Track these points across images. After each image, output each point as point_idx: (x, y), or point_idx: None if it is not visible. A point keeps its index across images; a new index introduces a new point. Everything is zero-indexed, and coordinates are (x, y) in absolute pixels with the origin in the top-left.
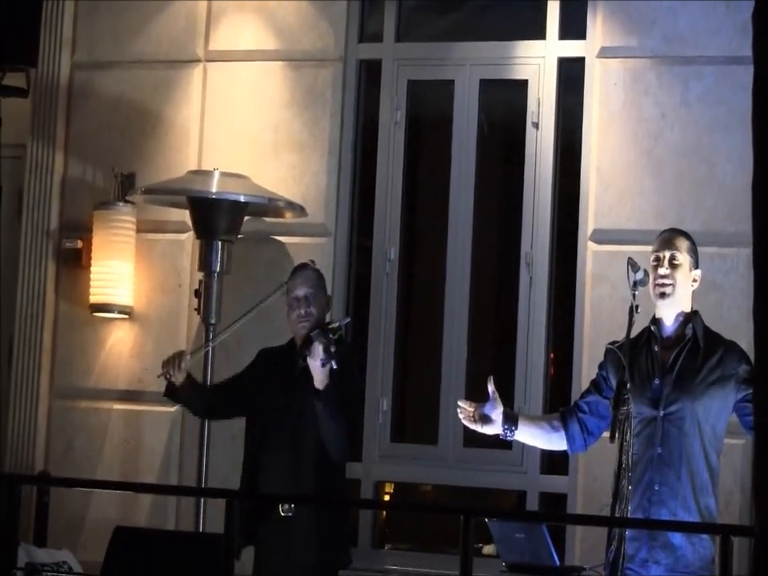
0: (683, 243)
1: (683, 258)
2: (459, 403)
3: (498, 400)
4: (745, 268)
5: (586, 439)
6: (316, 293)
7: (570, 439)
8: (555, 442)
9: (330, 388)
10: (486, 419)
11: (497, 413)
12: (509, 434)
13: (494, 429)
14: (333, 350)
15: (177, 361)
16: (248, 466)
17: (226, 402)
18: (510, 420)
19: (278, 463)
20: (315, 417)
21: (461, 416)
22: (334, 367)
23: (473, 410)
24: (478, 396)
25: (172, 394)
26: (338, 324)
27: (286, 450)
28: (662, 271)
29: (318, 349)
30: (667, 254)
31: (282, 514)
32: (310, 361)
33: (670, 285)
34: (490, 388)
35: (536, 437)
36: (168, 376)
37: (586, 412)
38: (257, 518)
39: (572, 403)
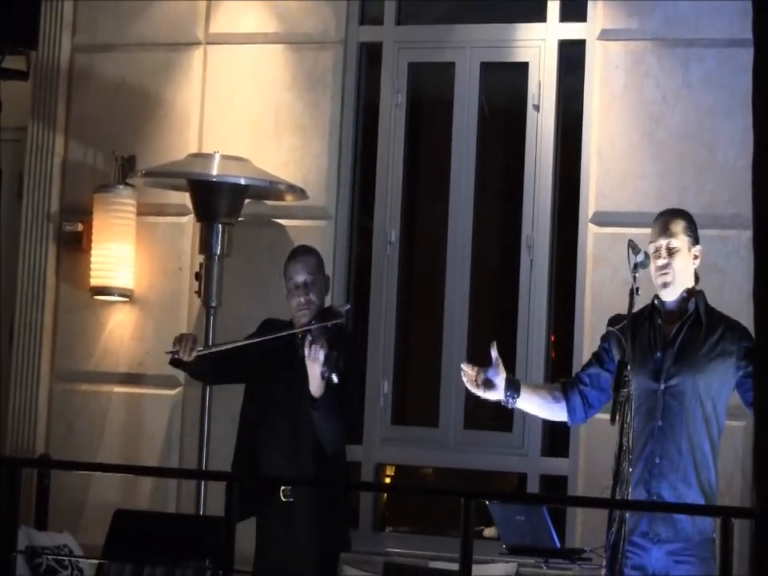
0: (678, 225)
1: (680, 240)
2: (462, 366)
3: (501, 366)
4: (746, 251)
5: (586, 411)
6: (315, 278)
7: (570, 411)
8: (556, 412)
9: (327, 396)
10: (488, 384)
11: (500, 378)
12: (510, 401)
13: (496, 394)
14: (335, 357)
15: (189, 346)
16: (244, 445)
17: (229, 367)
18: (513, 387)
19: (277, 446)
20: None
21: (464, 379)
22: (335, 381)
23: (475, 373)
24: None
25: (179, 365)
26: (339, 310)
27: (285, 434)
28: (660, 262)
29: (318, 355)
30: (663, 242)
31: (283, 500)
32: (307, 362)
33: (669, 274)
34: (494, 353)
35: (538, 406)
36: (176, 356)
37: (587, 384)
38: (253, 498)
39: (574, 375)
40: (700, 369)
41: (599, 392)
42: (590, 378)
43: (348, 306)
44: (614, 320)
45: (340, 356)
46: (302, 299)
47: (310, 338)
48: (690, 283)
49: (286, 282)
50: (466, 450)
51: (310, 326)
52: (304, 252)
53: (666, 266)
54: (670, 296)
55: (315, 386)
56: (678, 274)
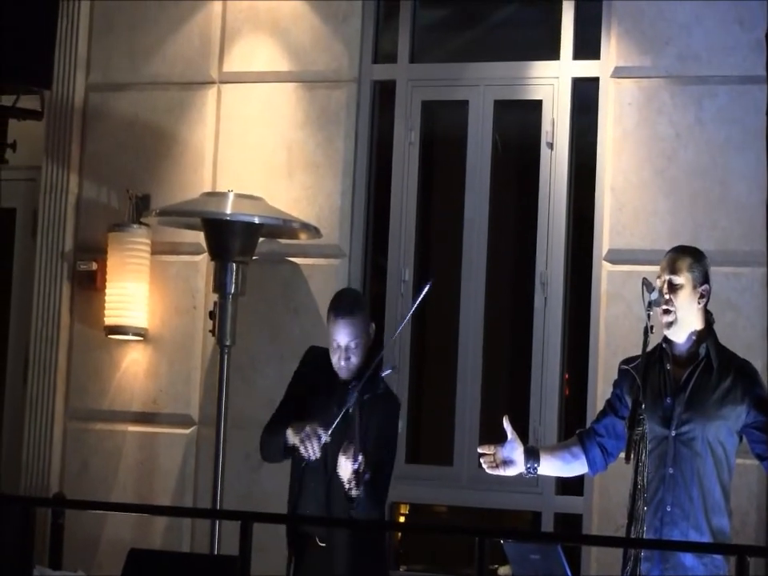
0: (683, 262)
1: (683, 277)
2: (480, 450)
3: (518, 439)
4: (760, 287)
5: (606, 460)
6: (359, 342)
7: (591, 464)
8: (577, 469)
9: (364, 491)
10: (508, 462)
11: (518, 453)
12: (531, 471)
13: (517, 469)
14: (363, 475)
15: (316, 444)
16: (293, 483)
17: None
18: (532, 457)
19: (316, 484)
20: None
21: (484, 465)
22: (353, 496)
23: (493, 453)
24: (491, 420)
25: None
26: (384, 373)
27: (322, 472)
28: (663, 298)
29: (348, 466)
30: (666, 277)
31: (320, 544)
32: (340, 460)
33: (671, 312)
34: (507, 428)
35: (558, 468)
36: (309, 457)
37: (604, 435)
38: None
39: (588, 427)
40: (711, 416)
41: (616, 440)
42: (605, 429)
43: (389, 371)
44: (626, 362)
45: (380, 404)
46: (342, 362)
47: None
48: (698, 325)
49: (329, 333)
50: (481, 489)
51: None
52: (349, 312)
53: (667, 302)
54: (676, 336)
55: (350, 484)
56: (680, 310)
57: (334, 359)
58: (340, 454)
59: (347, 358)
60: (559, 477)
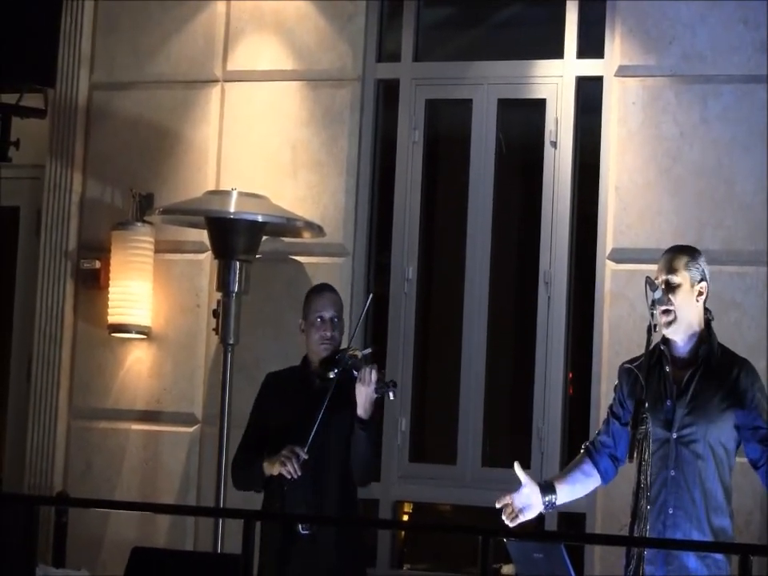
0: (680, 261)
1: (680, 276)
2: (498, 505)
3: (531, 482)
4: (764, 287)
5: (617, 467)
6: (340, 317)
7: (603, 476)
8: (592, 485)
9: (374, 416)
10: (525, 508)
11: (534, 496)
12: (550, 506)
13: (537, 510)
14: (385, 376)
15: (296, 463)
16: (273, 480)
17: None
18: (548, 492)
19: (301, 484)
20: (341, 436)
21: (506, 520)
22: (391, 398)
23: (512, 501)
24: (495, 419)
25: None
26: (364, 352)
27: (308, 471)
28: (666, 297)
29: (372, 376)
30: (663, 277)
31: (302, 532)
32: (358, 386)
33: (671, 312)
34: (519, 474)
35: (576, 492)
36: (292, 477)
37: (611, 446)
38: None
39: (594, 439)
40: (714, 419)
41: (624, 446)
42: (613, 439)
43: (369, 350)
44: (628, 363)
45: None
46: (328, 333)
47: (354, 365)
48: (698, 325)
49: (309, 315)
50: (484, 488)
51: (335, 357)
52: (330, 290)
53: (667, 303)
54: (675, 335)
55: (364, 408)
56: (679, 309)
57: (317, 336)
58: (359, 375)
59: (332, 330)
60: (560, 459)
